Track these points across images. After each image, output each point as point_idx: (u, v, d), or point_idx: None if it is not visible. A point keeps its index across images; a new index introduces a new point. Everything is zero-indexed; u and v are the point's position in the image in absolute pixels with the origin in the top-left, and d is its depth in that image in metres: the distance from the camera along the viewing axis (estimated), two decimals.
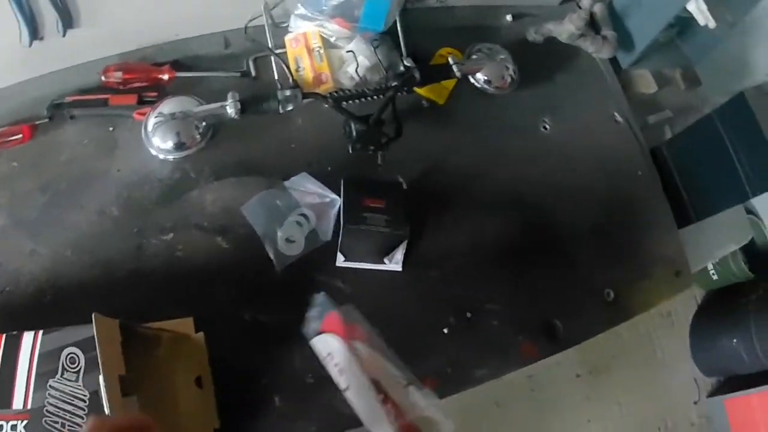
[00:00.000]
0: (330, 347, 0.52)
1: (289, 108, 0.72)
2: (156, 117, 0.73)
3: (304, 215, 0.70)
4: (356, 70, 0.73)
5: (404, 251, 0.70)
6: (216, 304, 0.69)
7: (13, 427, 0.57)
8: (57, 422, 0.55)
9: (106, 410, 0.50)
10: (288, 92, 0.72)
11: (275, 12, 0.79)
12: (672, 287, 0.79)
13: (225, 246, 0.70)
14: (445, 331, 0.70)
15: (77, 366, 0.57)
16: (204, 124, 0.73)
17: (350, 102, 0.72)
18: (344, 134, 0.73)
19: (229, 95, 0.71)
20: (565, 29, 0.82)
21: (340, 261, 0.70)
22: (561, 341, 0.72)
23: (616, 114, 0.83)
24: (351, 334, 0.52)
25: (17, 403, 0.59)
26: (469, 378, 0.69)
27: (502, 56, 0.80)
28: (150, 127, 0.73)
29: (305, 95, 0.71)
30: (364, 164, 0.73)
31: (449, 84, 0.79)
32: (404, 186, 0.73)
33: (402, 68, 0.76)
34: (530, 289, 0.73)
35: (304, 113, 0.75)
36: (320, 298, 0.56)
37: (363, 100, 0.72)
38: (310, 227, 0.70)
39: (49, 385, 0.58)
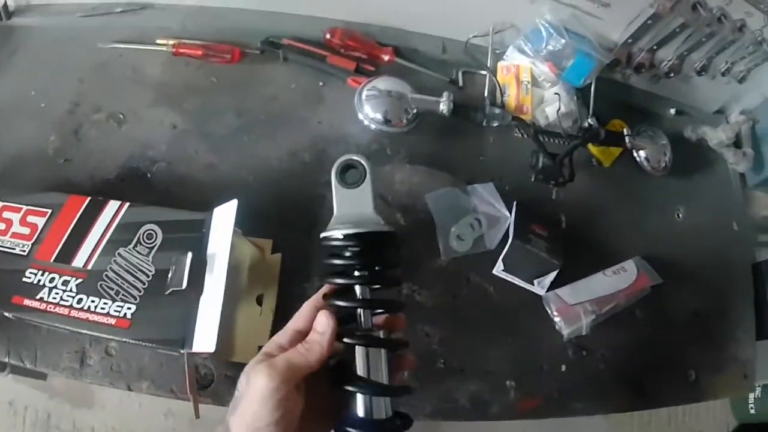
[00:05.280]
0: None
1: (494, 124, 0.80)
2: (371, 89, 0.80)
3: (477, 220, 0.78)
4: (557, 112, 0.82)
5: (552, 279, 0.78)
6: None
7: (65, 282, 0.58)
8: (112, 288, 0.58)
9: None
10: (497, 110, 0.80)
11: (495, 37, 0.87)
12: (738, 387, 0.89)
13: (402, 223, 0.77)
14: (563, 368, 0.77)
15: (153, 242, 0.60)
16: (414, 110, 0.80)
17: (544, 137, 0.80)
18: (529, 163, 0.81)
19: (445, 94, 0.79)
20: (717, 135, 0.93)
21: (498, 269, 0.77)
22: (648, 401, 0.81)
23: (734, 223, 0.94)
24: None
25: (78, 261, 0.60)
26: (569, 408, 0.76)
27: (663, 142, 0.90)
28: (364, 96, 0.80)
29: (514, 118, 0.79)
30: (538, 194, 0.81)
31: (616, 151, 0.88)
32: (563, 225, 0.81)
33: (586, 124, 0.85)
34: (637, 345, 0.81)
35: (496, 133, 0.83)
36: None
37: (555, 140, 0.81)
38: (479, 232, 0.77)
39: (118, 253, 0.60)
